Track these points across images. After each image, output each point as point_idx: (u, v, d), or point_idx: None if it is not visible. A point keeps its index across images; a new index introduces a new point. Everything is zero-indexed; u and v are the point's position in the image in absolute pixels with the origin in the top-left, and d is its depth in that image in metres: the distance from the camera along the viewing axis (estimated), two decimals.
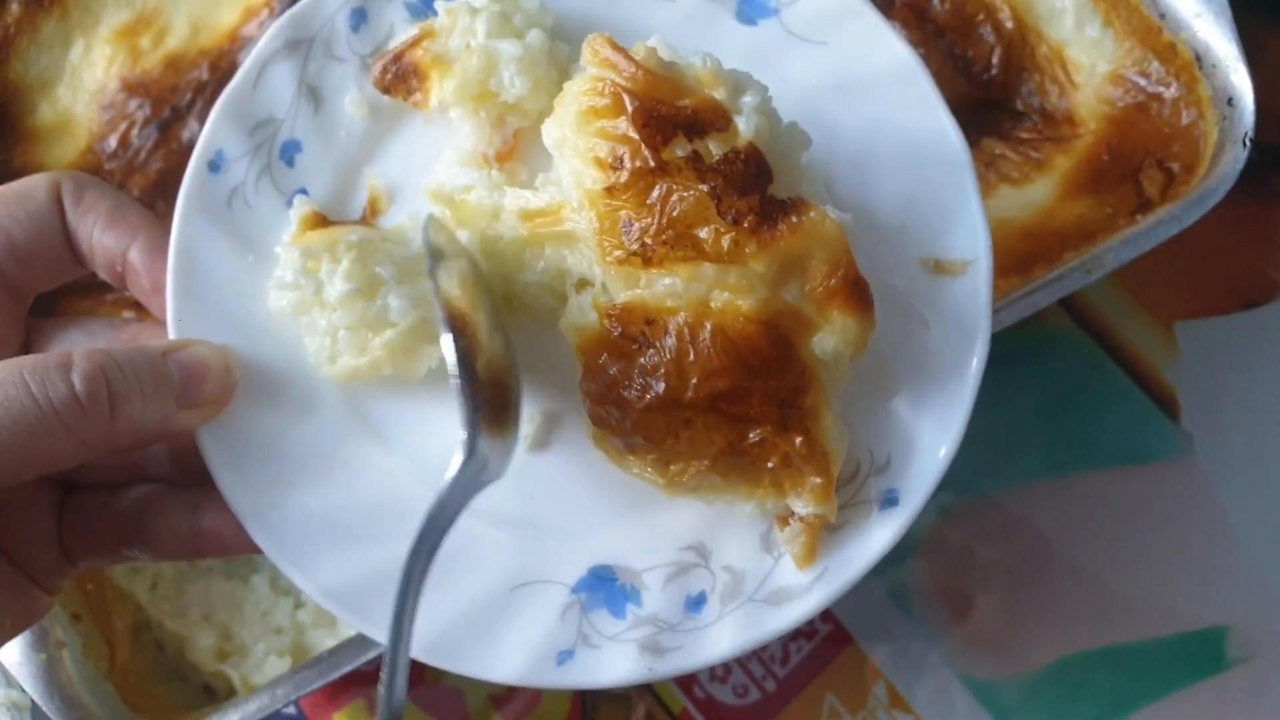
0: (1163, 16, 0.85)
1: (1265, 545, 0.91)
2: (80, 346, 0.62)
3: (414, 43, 0.63)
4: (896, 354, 0.60)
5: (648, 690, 0.91)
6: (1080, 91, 0.89)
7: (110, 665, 0.84)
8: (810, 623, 0.89)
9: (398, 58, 0.63)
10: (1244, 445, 0.93)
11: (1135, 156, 0.86)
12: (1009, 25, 0.90)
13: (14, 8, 0.96)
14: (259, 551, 0.60)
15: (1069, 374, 0.94)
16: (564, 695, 0.91)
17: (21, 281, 0.63)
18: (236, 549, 0.61)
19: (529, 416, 0.62)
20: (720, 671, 0.90)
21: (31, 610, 0.62)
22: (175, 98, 0.94)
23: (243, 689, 0.87)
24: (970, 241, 0.60)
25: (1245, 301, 0.96)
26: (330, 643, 0.85)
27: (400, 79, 0.63)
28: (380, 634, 0.58)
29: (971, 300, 0.60)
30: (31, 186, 0.62)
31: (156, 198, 0.93)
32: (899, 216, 0.61)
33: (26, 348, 0.64)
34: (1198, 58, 0.84)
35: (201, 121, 0.91)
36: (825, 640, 0.91)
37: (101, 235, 0.62)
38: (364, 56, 0.65)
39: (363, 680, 0.92)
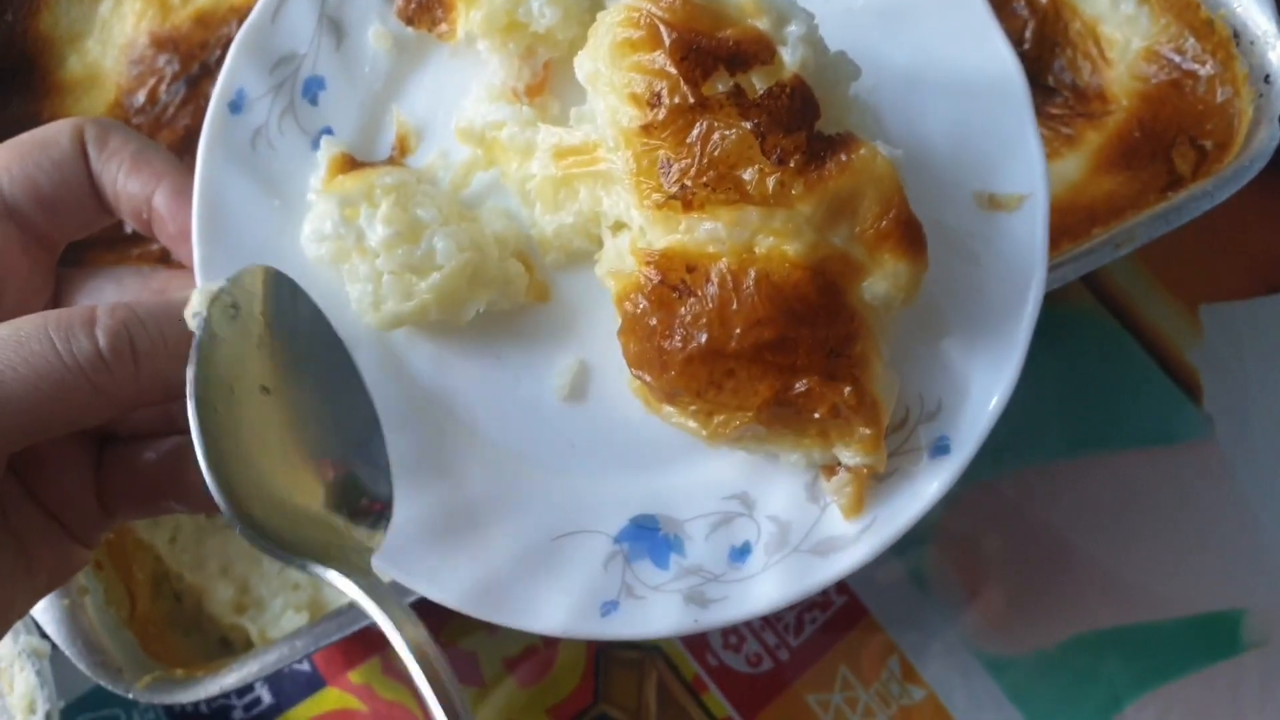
0: None
1: None
2: (109, 297, 0.61)
3: None
4: (947, 293, 0.57)
5: (661, 657, 0.90)
6: (1113, 68, 0.87)
7: (130, 614, 0.84)
8: (825, 593, 0.88)
9: None
10: (1266, 429, 0.92)
11: (1168, 133, 0.85)
12: (1043, 0, 0.88)
13: None
14: None
15: (1092, 354, 0.93)
16: (577, 661, 0.90)
17: (50, 230, 0.61)
18: None
19: (565, 367, 0.60)
20: (734, 640, 0.90)
21: (70, 564, 0.62)
22: (204, 54, 0.93)
23: (259, 642, 0.87)
24: (1026, 174, 0.57)
25: (1271, 286, 0.95)
26: (346, 599, 0.85)
27: (424, 8, 0.59)
28: (422, 587, 0.57)
29: (1027, 236, 0.56)
30: (55, 133, 0.60)
31: (184, 153, 0.91)
32: (951, 149, 0.58)
33: (57, 298, 0.62)
34: (1235, 34, 0.82)
35: None
36: (840, 612, 0.90)
37: (126, 181, 0.60)
38: None
39: (377, 640, 0.90)
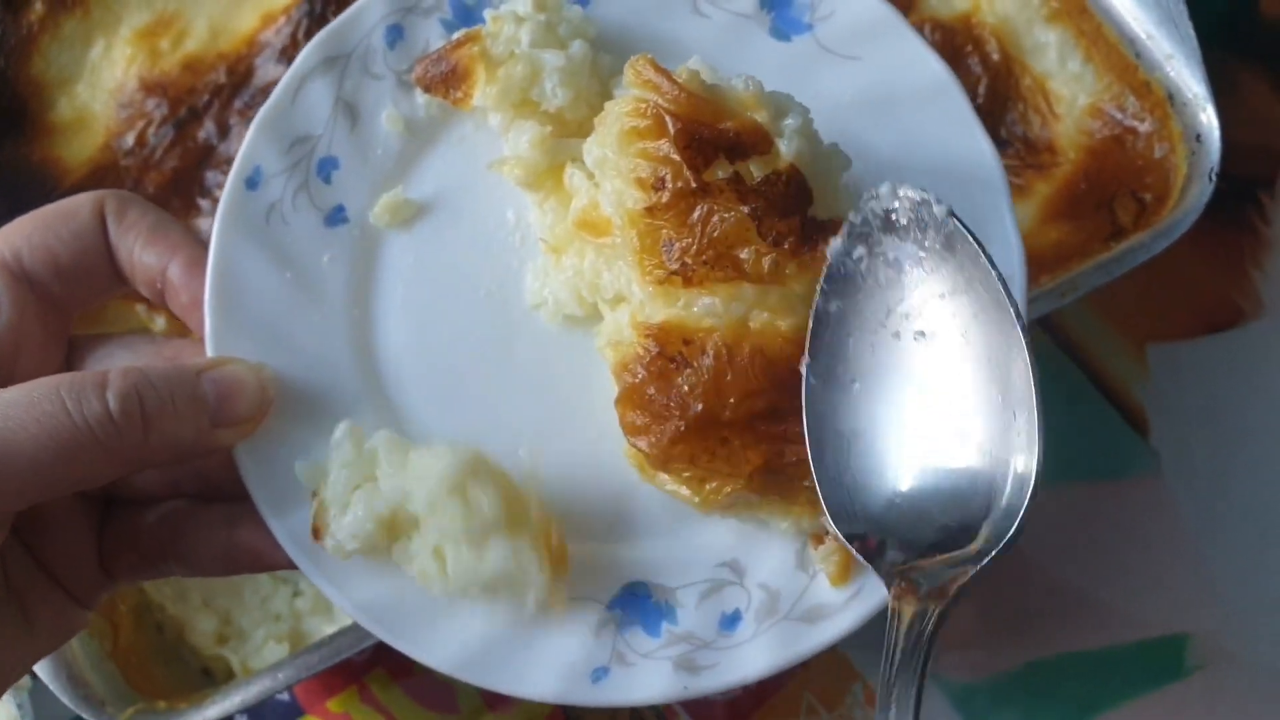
0: (1138, 56, 0.88)
1: (1225, 560, 0.92)
2: (121, 363, 0.61)
3: (459, 43, 0.61)
4: None
5: None
6: (1061, 122, 0.90)
7: (113, 645, 0.83)
8: None
9: (442, 56, 0.61)
10: (1209, 464, 0.95)
11: (1110, 186, 0.88)
12: (995, 57, 0.92)
13: (38, 6, 0.95)
14: (294, 568, 0.58)
15: (1045, 389, 0.94)
16: None
17: (65, 298, 0.61)
18: (272, 565, 0.60)
19: (560, 431, 0.60)
20: None
21: (70, 625, 0.61)
22: (192, 99, 0.94)
23: (241, 672, 0.86)
24: (1005, 258, 0.58)
25: (1214, 326, 0.98)
26: (328, 629, 0.85)
27: (443, 78, 0.61)
28: (420, 653, 0.56)
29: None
30: (76, 205, 0.61)
31: (171, 195, 0.91)
32: None
33: (69, 363, 0.62)
34: (1170, 96, 0.86)
35: (217, 123, 0.93)
36: None
37: (142, 253, 0.60)
38: (400, 73, 0.63)
39: (355, 669, 0.91)
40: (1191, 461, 0.94)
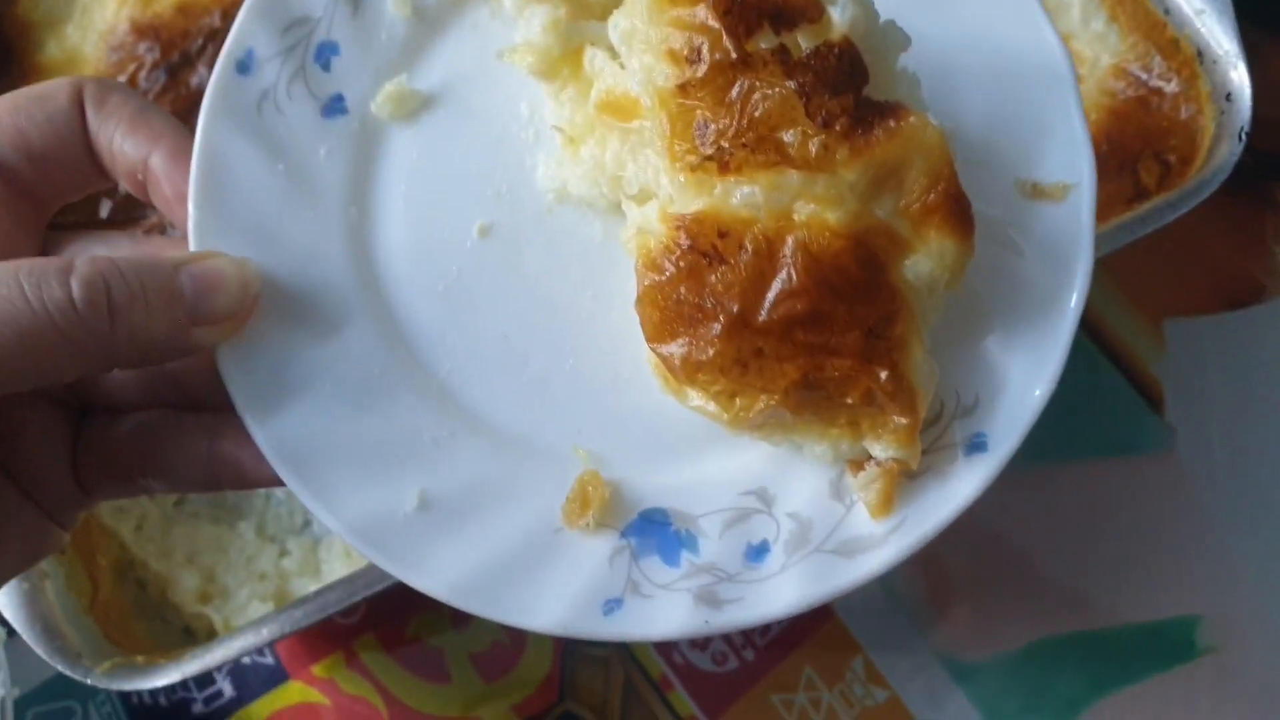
0: (1167, 13, 0.84)
1: (1240, 539, 0.89)
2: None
3: None
4: (988, 285, 0.52)
5: (627, 654, 0.86)
6: (1084, 83, 0.87)
7: (92, 600, 0.79)
8: None
9: None
10: (1225, 441, 0.91)
11: (1134, 148, 0.85)
12: None
13: None
14: (280, 483, 0.51)
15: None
16: (544, 656, 0.85)
17: (39, 188, 0.55)
18: (256, 480, 0.53)
19: (570, 348, 0.54)
20: (700, 639, 0.86)
21: (44, 544, 0.55)
22: (185, 43, 0.90)
23: (223, 631, 0.81)
24: (1072, 163, 0.52)
25: (1233, 302, 0.96)
26: (315, 588, 0.79)
27: None
28: (408, 574, 0.50)
29: (1072, 227, 0.52)
30: (52, 89, 0.55)
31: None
32: (994, 135, 0.53)
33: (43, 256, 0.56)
34: (1199, 54, 0.83)
35: (210, 68, 0.86)
36: (806, 614, 0.87)
37: (123, 141, 0.54)
38: None
39: (342, 633, 0.86)
40: (1208, 439, 0.91)
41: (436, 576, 0.49)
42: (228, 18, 0.89)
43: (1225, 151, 0.78)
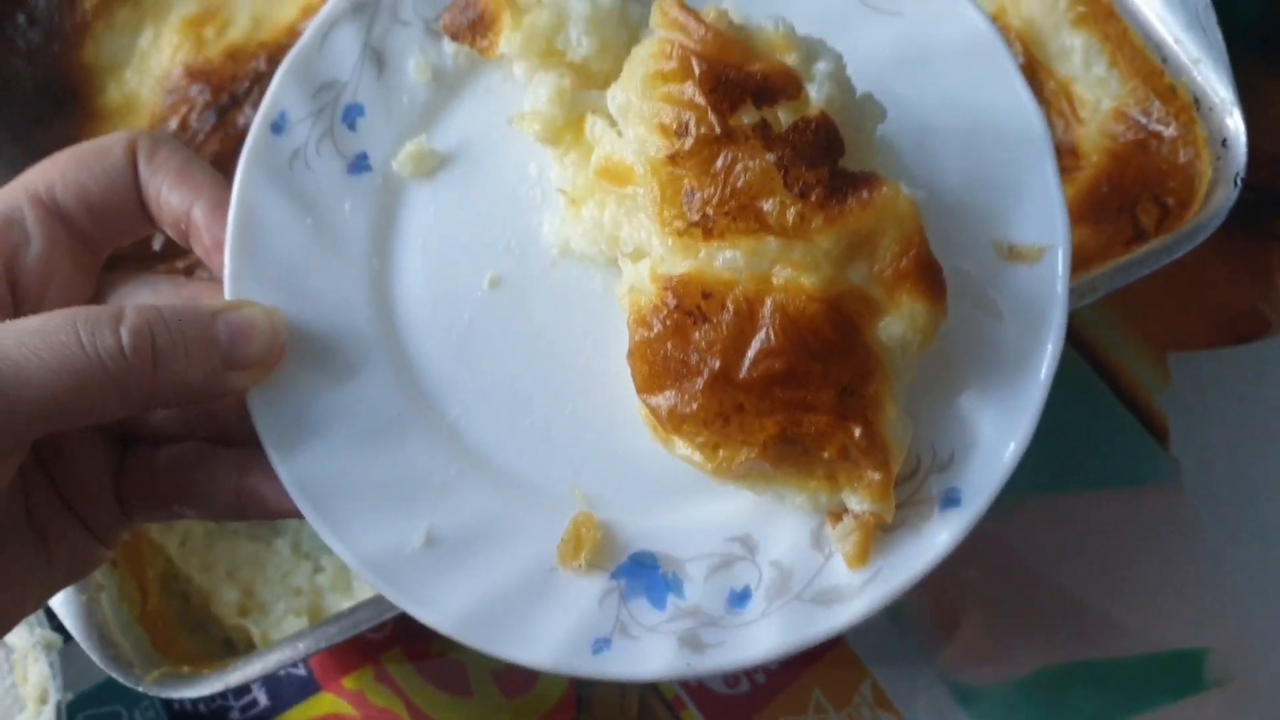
0: (1165, 60, 0.85)
1: (1247, 573, 0.88)
2: (143, 301, 0.60)
3: None
4: (963, 343, 0.53)
5: None
6: (1085, 126, 0.88)
7: (141, 610, 0.83)
8: None
9: (469, 2, 0.58)
10: (1231, 475, 0.91)
11: (1133, 190, 0.85)
12: (1020, 60, 0.88)
13: None
14: (300, 516, 0.55)
15: (1063, 396, 0.94)
16: (561, 675, 0.88)
17: (95, 235, 0.60)
18: (279, 512, 0.57)
19: (570, 393, 0.56)
20: None
21: (89, 560, 0.60)
22: (234, 86, 0.95)
23: (261, 643, 0.85)
24: (1047, 225, 0.54)
25: (1237, 336, 0.95)
26: (347, 605, 0.84)
27: (469, 24, 0.58)
28: (414, 608, 0.53)
29: (1047, 288, 0.53)
30: (110, 143, 0.60)
31: None
32: (971, 196, 0.55)
33: (96, 300, 0.61)
34: (1196, 101, 0.84)
35: (256, 109, 0.92)
36: None
37: (169, 193, 0.59)
38: (429, 20, 0.60)
39: (372, 647, 0.90)
40: (1212, 472, 0.91)
41: (439, 611, 0.52)
42: (273, 62, 0.94)
43: (1222, 196, 0.79)
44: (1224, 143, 0.81)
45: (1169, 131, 0.85)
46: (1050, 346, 0.52)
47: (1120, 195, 0.85)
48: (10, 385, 0.48)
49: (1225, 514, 0.90)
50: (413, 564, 0.54)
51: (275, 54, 0.95)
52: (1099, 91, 0.88)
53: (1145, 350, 0.95)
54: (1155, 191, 0.84)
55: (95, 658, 0.77)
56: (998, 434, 0.52)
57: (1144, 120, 0.86)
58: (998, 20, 0.90)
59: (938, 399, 0.53)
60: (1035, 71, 0.90)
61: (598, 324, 0.57)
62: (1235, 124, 0.81)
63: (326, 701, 0.89)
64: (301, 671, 0.90)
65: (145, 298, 0.60)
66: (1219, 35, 0.82)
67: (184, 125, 0.94)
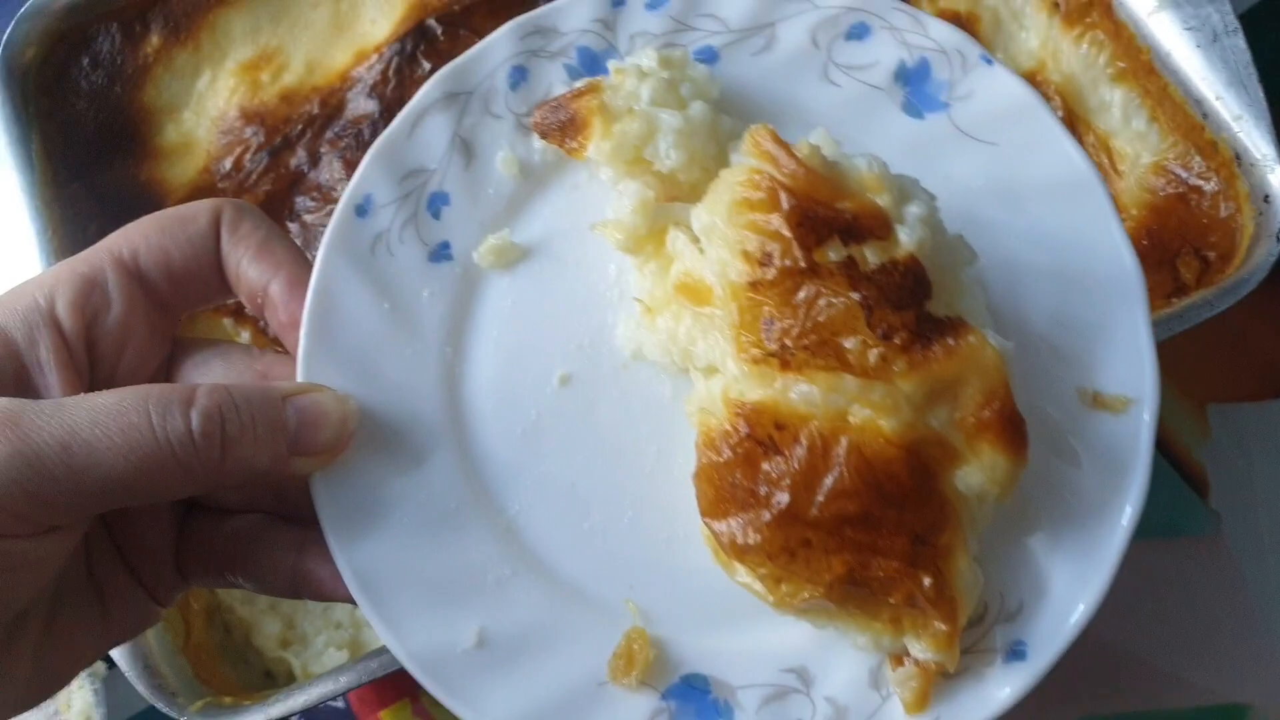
0: (1205, 116, 0.84)
1: None
2: (216, 372, 0.60)
3: (579, 93, 0.58)
4: (1039, 489, 0.52)
5: None
6: (1124, 179, 0.88)
7: (185, 641, 0.84)
8: None
9: (561, 104, 0.58)
10: (1272, 528, 0.89)
11: (1174, 244, 0.85)
12: (1060, 114, 0.88)
13: (154, 39, 1.00)
14: (354, 602, 0.55)
15: None
16: None
17: (173, 300, 0.60)
18: (333, 596, 0.57)
19: (630, 501, 0.56)
20: None
21: (144, 619, 0.60)
22: (287, 128, 0.97)
23: (301, 675, 0.86)
24: (1135, 377, 0.52)
25: (1278, 389, 0.94)
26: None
27: (560, 126, 0.58)
28: (461, 709, 0.52)
29: (1130, 442, 0.51)
30: (195, 212, 0.60)
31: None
32: (1058, 338, 0.53)
33: (169, 362, 0.61)
34: (1237, 157, 0.83)
35: (309, 151, 0.96)
36: None
37: (249, 266, 0.59)
38: (520, 115, 0.60)
39: (410, 682, 0.88)
40: (1254, 525, 0.89)
41: (486, 715, 0.52)
42: (326, 106, 0.97)
43: (1264, 252, 0.78)
44: (1266, 199, 0.80)
45: (1210, 186, 0.84)
46: (1130, 506, 0.50)
47: (1160, 248, 0.84)
48: (80, 464, 0.49)
49: (1267, 567, 0.88)
50: (463, 664, 0.53)
51: (328, 98, 0.97)
52: (1138, 146, 0.87)
53: (1185, 402, 0.93)
54: (1196, 245, 0.83)
55: (140, 687, 0.78)
56: (1070, 590, 0.50)
57: (1184, 174, 0.85)
58: (1038, 75, 0.90)
59: (1010, 544, 0.51)
60: (1074, 125, 0.89)
61: (664, 432, 0.57)
62: (1277, 180, 0.79)
63: None
64: (339, 704, 0.90)
65: (218, 368, 0.60)
66: (1260, 93, 0.81)
67: (238, 165, 0.96)
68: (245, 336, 0.93)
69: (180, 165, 0.98)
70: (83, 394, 0.52)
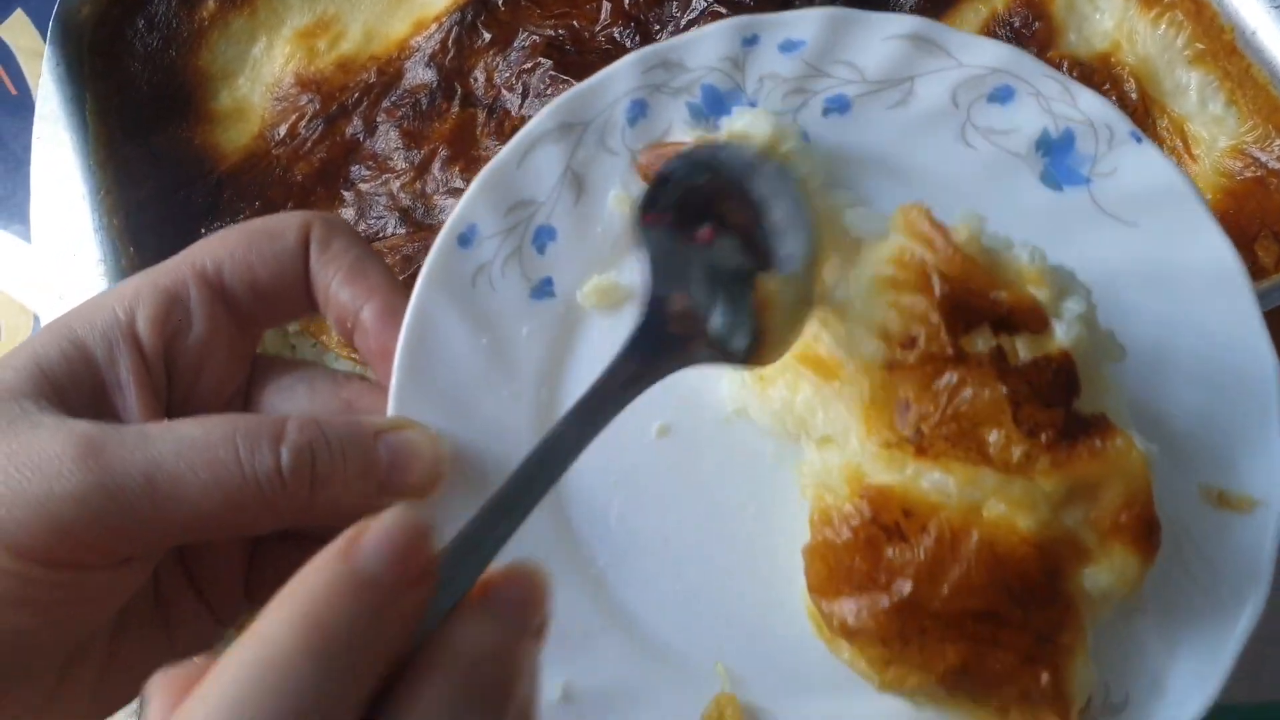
0: None
1: None
2: (299, 398, 0.58)
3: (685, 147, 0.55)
4: (1155, 584, 0.50)
5: None
6: (1198, 164, 0.86)
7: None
8: None
9: (665, 154, 0.56)
10: None
11: (1251, 227, 0.83)
12: (1134, 97, 0.88)
13: (210, 4, 0.98)
14: None
15: None
16: None
17: (256, 317, 0.58)
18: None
19: (725, 562, 0.54)
20: None
21: (208, 642, 0.58)
22: (343, 96, 0.95)
23: None
24: (1265, 479, 0.51)
25: None
26: None
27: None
28: None
29: (1255, 546, 0.50)
30: (283, 225, 0.57)
31: (317, 184, 0.92)
32: (1185, 433, 0.52)
33: (249, 382, 0.59)
34: None
35: (365, 120, 0.93)
36: None
37: (340, 288, 0.56)
38: (635, 152, 0.58)
39: None
40: None
41: None
42: (383, 74, 0.94)
43: None
44: None
45: None
46: (1250, 608, 0.49)
47: (1236, 233, 0.81)
48: (163, 498, 0.47)
49: None
50: (547, 718, 0.52)
51: (385, 67, 0.95)
52: (1215, 129, 0.86)
53: None
54: (1275, 228, 0.82)
55: None
56: (1180, 689, 0.49)
57: (1264, 157, 0.84)
58: (1112, 56, 0.88)
59: (1120, 635, 0.50)
60: (1148, 108, 0.88)
61: (764, 493, 0.55)
62: None
63: None
64: None
65: (302, 395, 0.58)
66: None
67: (292, 132, 0.94)
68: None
69: (234, 131, 0.95)
70: (167, 422, 0.50)
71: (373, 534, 0.42)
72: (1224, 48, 0.85)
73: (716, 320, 0.48)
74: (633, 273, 0.58)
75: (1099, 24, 0.90)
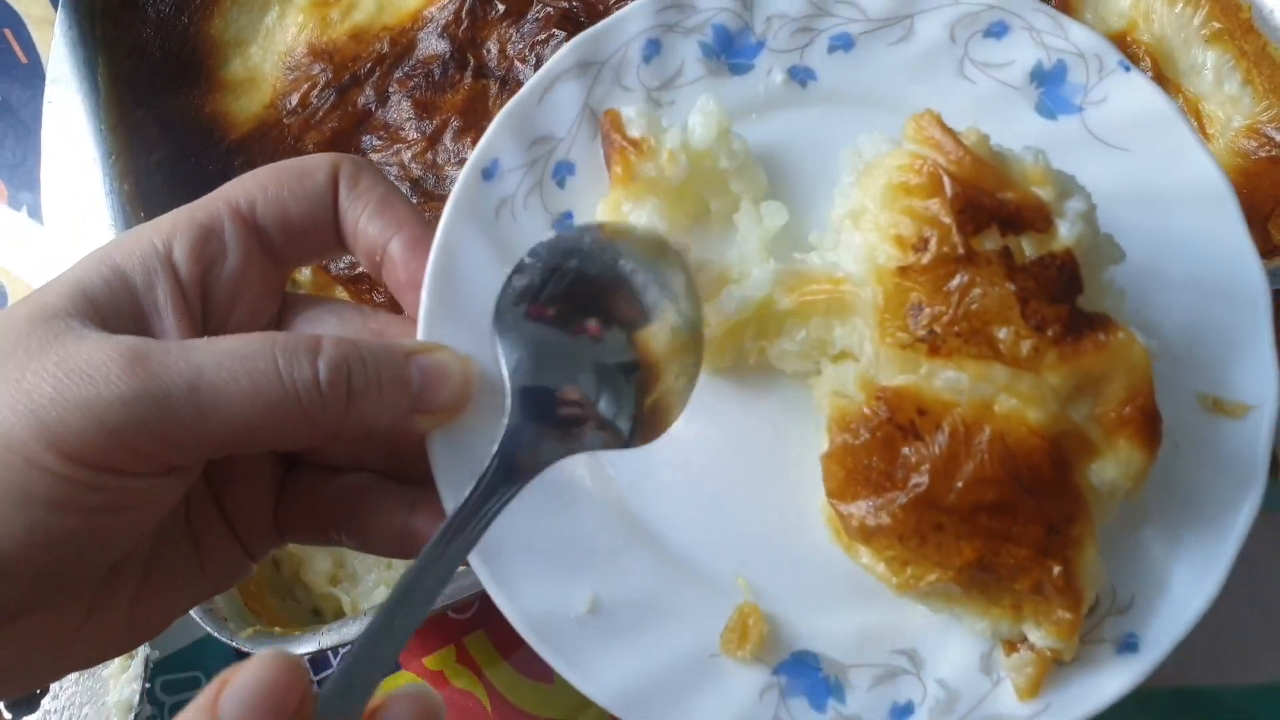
0: None
1: None
2: (330, 329, 0.59)
3: (621, 147, 0.57)
4: (1155, 488, 0.52)
5: None
6: (1213, 143, 0.86)
7: None
8: None
9: (608, 137, 0.58)
10: None
11: (1265, 206, 0.83)
12: (1149, 76, 0.86)
13: None
14: (464, 564, 0.54)
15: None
16: None
17: (287, 254, 0.59)
18: None
19: (744, 479, 0.56)
20: None
21: (236, 573, 0.59)
22: (355, 66, 0.95)
23: (351, 612, 0.85)
24: (1256, 385, 0.53)
25: None
26: None
27: (606, 152, 0.58)
28: (574, 675, 0.52)
29: (1249, 448, 0.52)
30: (313, 165, 0.58)
31: (329, 151, 0.92)
32: (1181, 344, 0.54)
33: (279, 317, 0.60)
34: None
35: (377, 90, 0.94)
36: None
37: (368, 223, 0.58)
38: (651, 89, 0.60)
39: (454, 629, 0.89)
40: None
41: (599, 682, 0.52)
42: (395, 45, 0.94)
43: None
44: None
45: None
46: (1247, 505, 0.51)
47: (1251, 211, 0.81)
48: (206, 406, 0.48)
49: None
50: (576, 630, 0.53)
51: (398, 37, 0.94)
52: (1230, 109, 0.86)
53: None
54: None
55: (194, 613, 0.77)
56: (1184, 586, 0.51)
57: (1279, 136, 0.83)
58: (1128, 34, 0.87)
59: (1123, 541, 0.52)
60: (1163, 88, 0.87)
61: (782, 411, 0.57)
62: None
63: (405, 680, 0.88)
64: None
65: (332, 324, 0.59)
66: None
67: (304, 102, 0.93)
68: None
69: (245, 99, 0.95)
70: (208, 338, 0.51)
71: (237, 682, 0.41)
72: (1241, 26, 0.85)
73: (604, 406, 0.51)
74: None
75: (1115, 3, 0.90)
